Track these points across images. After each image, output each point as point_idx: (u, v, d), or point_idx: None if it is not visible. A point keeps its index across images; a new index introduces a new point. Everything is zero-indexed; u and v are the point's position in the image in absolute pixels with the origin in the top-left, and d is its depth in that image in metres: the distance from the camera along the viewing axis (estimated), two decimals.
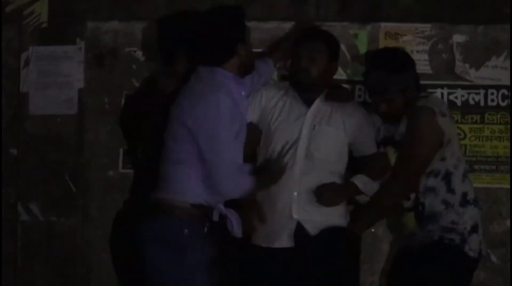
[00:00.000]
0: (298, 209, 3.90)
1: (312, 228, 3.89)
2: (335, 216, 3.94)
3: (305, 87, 3.98)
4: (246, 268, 4.01)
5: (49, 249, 4.43)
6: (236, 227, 3.69)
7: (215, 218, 3.62)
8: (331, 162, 3.97)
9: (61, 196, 4.44)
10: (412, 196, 3.86)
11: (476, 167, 4.40)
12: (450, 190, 3.82)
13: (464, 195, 3.84)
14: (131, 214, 3.97)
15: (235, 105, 3.62)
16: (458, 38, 4.41)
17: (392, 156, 3.95)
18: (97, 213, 4.49)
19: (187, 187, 3.56)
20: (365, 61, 4.25)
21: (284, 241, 3.90)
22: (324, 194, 3.88)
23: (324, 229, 3.89)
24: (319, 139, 3.95)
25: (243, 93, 3.77)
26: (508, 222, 4.40)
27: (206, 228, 3.58)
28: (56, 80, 4.43)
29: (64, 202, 4.44)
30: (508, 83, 4.40)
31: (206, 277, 3.54)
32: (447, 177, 3.82)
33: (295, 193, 3.91)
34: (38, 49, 4.43)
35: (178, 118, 3.59)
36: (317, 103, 4.01)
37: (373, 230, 4.40)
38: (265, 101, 4.06)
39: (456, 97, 4.40)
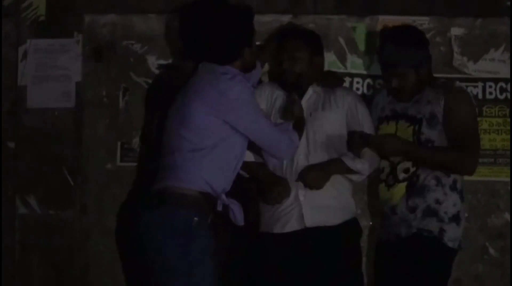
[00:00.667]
0: (304, 192, 3.92)
1: (309, 217, 3.91)
2: (339, 211, 3.96)
3: (292, 85, 4.01)
4: (257, 255, 4.03)
5: (47, 242, 4.43)
6: (238, 216, 3.72)
7: (219, 207, 3.65)
8: (333, 146, 3.98)
9: (59, 189, 4.43)
10: (413, 169, 3.85)
11: None
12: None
13: (455, 181, 3.85)
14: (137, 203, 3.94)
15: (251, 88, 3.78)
16: (456, 31, 4.41)
17: (406, 130, 3.88)
18: (95, 207, 4.48)
19: (198, 175, 3.59)
20: (379, 37, 4.18)
21: (293, 224, 3.93)
22: (306, 176, 3.89)
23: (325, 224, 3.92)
24: (317, 124, 3.97)
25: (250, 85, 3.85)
26: (506, 215, 4.40)
27: (210, 218, 3.60)
28: (54, 73, 4.43)
29: (62, 195, 4.43)
30: (506, 76, 4.40)
31: (211, 263, 3.56)
32: None
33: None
34: (36, 42, 4.42)
35: (201, 111, 3.62)
36: (309, 92, 4.03)
37: (371, 223, 4.41)
38: (269, 94, 4.09)
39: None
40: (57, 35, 4.43)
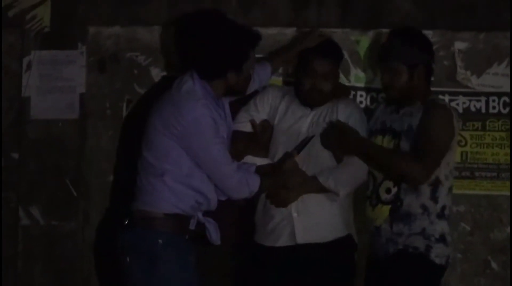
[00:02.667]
0: (297, 206, 3.90)
1: (301, 234, 3.90)
2: (331, 228, 3.94)
3: (317, 103, 3.99)
4: (251, 266, 4.03)
5: (49, 253, 4.44)
6: (214, 235, 3.67)
7: (192, 226, 3.60)
8: (328, 160, 3.95)
9: (62, 200, 4.44)
10: (394, 190, 3.81)
11: (477, 174, 4.40)
12: (434, 198, 3.77)
13: (443, 208, 3.79)
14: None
15: (215, 115, 3.58)
16: (459, 45, 4.42)
17: (389, 144, 3.83)
18: (97, 218, 4.49)
19: (161, 198, 3.52)
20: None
21: (286, 239, 3.92)
22: (276, 198, 3.89)
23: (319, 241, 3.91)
24: (316, 138, 3.93)
25: (221, 115, 3.69)
26: (508, 229, 4.40)
27: (187, 236, 3.57)
28: (58, 84, 4.44)
29: (65, 206, 4.44)
30: (510, 90, 4.40)
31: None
32: (435, 184, 3.76)
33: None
34: (40, 54, 4.43)
35: (159, 130, 3.54)
36: (320, 107, 4.00)
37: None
38: (272, 99, 4.07)
39: (457, 104, 4.40)
40: (61, 47, 4.44)
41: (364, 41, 4.43)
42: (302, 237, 3.90)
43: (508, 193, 4.38)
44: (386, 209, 3.81)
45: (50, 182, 4.44)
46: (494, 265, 4.41)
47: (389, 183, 3.82)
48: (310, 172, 3.92)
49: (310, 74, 3.94)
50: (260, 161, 3.94)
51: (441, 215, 3.77)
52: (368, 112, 4.20)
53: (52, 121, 4.44)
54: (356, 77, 4.43)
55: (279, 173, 3.83)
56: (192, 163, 3.56)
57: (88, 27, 4.46)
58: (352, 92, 4.42)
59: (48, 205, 4.44)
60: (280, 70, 4.37)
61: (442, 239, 3.76)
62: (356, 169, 3.91)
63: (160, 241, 3.48)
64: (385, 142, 3.86)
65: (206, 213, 3.68)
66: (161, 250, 3.48)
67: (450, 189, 3.82)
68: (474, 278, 4.39)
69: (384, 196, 3.82)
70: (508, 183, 4.38)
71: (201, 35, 3.60)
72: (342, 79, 4.40)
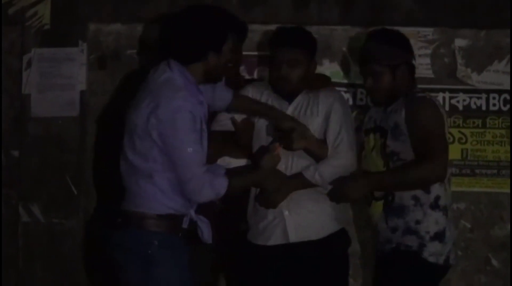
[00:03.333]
0: (287, 204, 3.89)
1: (293, 233, 3.89)
2: (324, 224, 3.93)
3: (286, 92, 3.95)
4: (244, 264, 4.01)
5: (50, 251, 4.44)
6: (206, 234, 3.61)
7: (185, 225, 3.54)
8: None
9: (63, 198, 4.44)
10: None
11: (477, 171, 4.40)
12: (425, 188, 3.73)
13: (437, 198, 3.72)
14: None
15: (195, 108, 3.45)
16: (460, 42, 4.42)
17: (378, 142, 3.80)
18: (98, 216, 4.48)
19: (152, 200, 3.46)
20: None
21: (278, 238, 3.90)
22: (265, 198, 3.87)
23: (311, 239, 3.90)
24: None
25: (202, 99, 3.57)
26: (509, 226, 4.40)
27: (180, 234, 3.52)
28: (58, 82, 4.43)
29: (66, 204, 4.44)
30: (510, 87, 4.40)
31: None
32: None
33: None
34: (40, 51, 4.43)
35: (139, 126, 3.43)
36: (298, 98, 3.96)
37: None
38: (252, 96, 4.00)
39: (458, 102, 4.41)
40: (61, 44, 4.44)
41: (364, 38, 4.40)
42: (294, 236, 3.88)
43: (509, 190, 4.38)
44: (379, 205, 3.79)
45: (51, 180, 4.44)
46: (494, 262, 4.42)
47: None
48: (294, 165, 3.89)
49: (276, 62, 3.90)
50: (236, 162, 3.92)
51: (434, 206, 3.70)
52: (368, 110, 4.20)
53: (52, 118, 4.44)
54: (356, 74, 4.42)
55: (258, 170, 3.74)
56: None
57: (89, 24, 4.46)
58: (352, 89, 4.42)
59: (49, 203, 4.44)
60: None
61: (437, 236, 3.69)
62: (342, 160, 3.86)
63: (155, 242, 3.44)
64: (376, 139, 3.84)
65: (198, 211, 3.62)
66: (156, 251, 3.43)
67: (446, 179, 3.75)
68: (474, 275, 4.40)
69: (376, 192, 3.80)
70: (508, 181, 4.38)
71: (180, 18, 3.53)
72: (342, 76, 4.41)
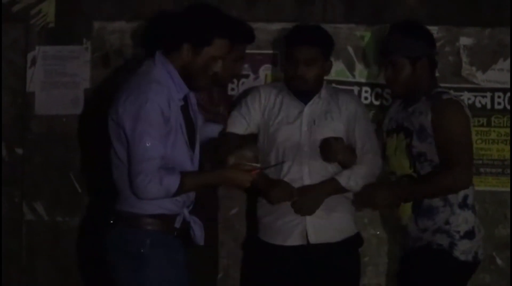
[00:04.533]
0: None
1: (313, 235, 3.89)
2: (342, 228, 3.95)
3: (302, 91, 3.95)
4: (257, 263, 4.02)
5: (53, 249, 4.43)
6: (197, 235, 3.57)
7: (178, 224, 3.50)
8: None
9: (66, 195, 4.44)
10: None
11: (482, 170, 4.39)
12: None
13: (465, 197, 3.76)
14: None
15: (164, 104, 3.35)
16: (465, 40, 4.41)
17: (402, 143, 3.82)
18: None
19: (143, 201, 3.40)
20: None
21: (296, 239, 3.90)
22: (300, 206, 3.86)
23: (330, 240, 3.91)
24: (320, 133, 3.91)
25: (180, 97, 3.46)
26: None
27: (175, 233, 3.48)
28: (62, 79, 4.43)
29: (69, 201, 4.44)
30: (510, 86, 4.39)
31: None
32: None
33: None
34: (45, 49, 4.43)
35: (116, 123, 3.37)
36: (314, 99, 3.97)
37: (378, 232, 4.41)
38: (264, 98, 4.01)
39: (462, 100, 4.39)
40: (66, 42, 4.44)
41: (368, 36, 4.42)
42: (314, 237, 3.89)
43: None
44: (408, 206, 3.80)
45: (54, 178, 4.44)
46: (499, 261, 4.41)
47: (407, 180, 3.81)
48: (323, 175, 3.90)
49: (292, 61, 3.90)
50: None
51: (463, 205, 3.74)
52: (374, 108, 4.21)
53: (56, 116, 4.44)
54: (361, 72, 4.42)
55: (219, 170, 3.53)
56: (170, 150, 3.39)
57: (93, 22, 4.45)
58: (357, 88, 4.41)
59: (52, 201, 4.44)
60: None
61: (467, 234, 3.73)
62: (372, 167, 3.93)
63: (147, 241, 3.40)
64: (399, 140, 3.85)
65: (193, 212, 3.60)
66: (149, 249, 3.40)
67: None
68: (479, 274, 4.36)
69: None
70: None
71: (172, 12, 3.54)
72: (347, 75, 4.40)
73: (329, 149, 3.85)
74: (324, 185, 3.90)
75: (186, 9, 3.52)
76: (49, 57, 4.43)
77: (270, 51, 4.39)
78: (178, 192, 3.37)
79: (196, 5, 3.52)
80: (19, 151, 4.46)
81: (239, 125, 4.01)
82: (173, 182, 3.34)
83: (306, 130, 3.94)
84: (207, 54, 3.44)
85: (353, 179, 3.88)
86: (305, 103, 3.97)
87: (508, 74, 4.39)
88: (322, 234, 3.89)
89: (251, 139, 4.03)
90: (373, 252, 4.40)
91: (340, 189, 3.90)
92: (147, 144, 3.30)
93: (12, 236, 4.44)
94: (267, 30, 4.38)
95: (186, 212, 3.52)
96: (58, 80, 4.43)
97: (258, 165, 3.52)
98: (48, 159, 4.44)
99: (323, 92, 3.99)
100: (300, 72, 3.87)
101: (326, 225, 3.89)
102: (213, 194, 4.07)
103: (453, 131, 3.68)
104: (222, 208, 4.30)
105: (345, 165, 3.93)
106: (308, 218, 3.88)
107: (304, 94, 3.95)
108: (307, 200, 3.87)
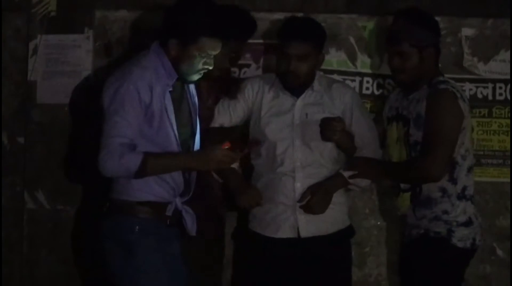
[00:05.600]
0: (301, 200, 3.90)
1: (304, 228, 3.90)
2: (334, 220, 3.95)
3: (294, 86, 3.94)
4: (245, 253, 4.03)
5: (55, 238, 4.43)
6: (190, 225, 3.59)
7: (169, 212, 3.52)
8: (329, 148, 3.94)
9: (68, 184, 4.43)
10: None
11: (483, 161, 4.39)
12: (452, 179, 3.77)
13: (464, 188, 3.79)
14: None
15: (144, 88, 3.41)
16: (466, 31, 4.41)
17: (401, 131, 3.84)
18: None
19: (132, 188, 3.46)
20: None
21: (287, 231, 3.90)
22: (312, 205, 3.86)
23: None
24: (313, 126, 3.91)
25: (168, 85, 3.52)
26: None
27: (168, 221, 3.51)
28: (64, 69, 4.43)
29: (70, 190, 4.43)
30: (510, 77, 4.38)
31: (161, 274, 3.45)
32: (452, 166, 3.76)
33: (298, 184, 3.91)
34: (46, 38, 4.42)
35: (101, 104, 3.48)
36: (308, 91, 3.96)
37: (378, 223, 4.42)
38: (252, 91, 4.01)
39: (464, 91, 4.38)
40: (67, 31, 4.42)
41: (371, 27, 4.41)
42: (305, 231, 3.89)
43: None
44: (407, 196, 3.83)
45: (56, 167, 4.43)
46: (499, 252, 4.42)
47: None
48: (316, 168, 3.91)
49: (284, 56, 3.88)
50: None
51: (461, 196, 3.77)
52: (375, 98, 4.21)
53: (58, 105, 4.43)
54: (362, 63, 4.42)
55: (188, 154, 3.57)
56: (144, 141, 3.44)
57: (95, 11, 4.44)
58: (359, 78, 4.41)
59: (54, 190, 4.43)
60: None
61: (465, 222, 3.76)
62: (374, 154, 3.95)
63: (136, 228, 3.44)
64: (398, 128, 3.86)
65: (186, 203, 3.62)
66: (138, 236, 3.43)
67: (469, 169, 3.82)
68: (479, 265, 4.39)
69: (403, 184, 3.84)
70: None
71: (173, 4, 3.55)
72: (349, 65, 4.39)
73: (327, 127, 3.85)
74: (332, 182, 3.90)
75: (178, 3, 3.53)
76: (51, 46, 4.42)
77: (272, 41, 4.37)
78: (140, 172, 3.38)
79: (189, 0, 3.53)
80: (21, 140, 4.46)
81: (222, 117, 4.02)
82: (133, 160, 3.35)
83: (299, 123, 3.93)
84: (191, 51, 3.49)
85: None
86: (297, 96, 3.95)
87: (510, 65, 4.38)
88: (313, 228, 3.89)
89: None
90: (374, 243, 4.40)
91: (346, 184, 3.92)
92: (115, 122, 3.36)
93: (13, 224, 4.44)
94: (269, 19, 4.38)
95: (178, 201, 3.54)
96: (59, 69, 4.42)
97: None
98: (49, 148, 4.44)
99: (316, 84, 3.97)
100: (293, 67, 3.86)
101: (317, 218, 3.88)
102: (217, 187, 4.06)
103: (437, 122, 3.69)
104: None
105: (342, 147, 3.93)
106: (299, 211, 3.87)
107: (296, 88, 3.95)
108: (317, 199, 3.86)
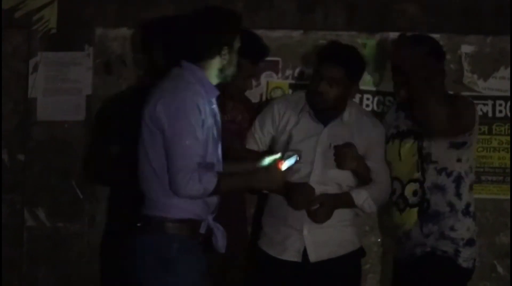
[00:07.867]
0: (309, 226, 3.88)
1: (314, 255, 3.88)
2: (343, 243, 3.94)
3: (320, 110, 3.94)
4: (254, 272, 4.02)
5: (54, 255, 4.43)
6: (220, 242, 3.57)
7: (202, 230, 3.51)
8: (344, 177, 3.93)
9: (68, 202, 4.44)
10: (419, 192, 3.82)
11: (483, 178, 4.39)
12: (458, 194, 3.80)
13: (468, 205, 3.82)
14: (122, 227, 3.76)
15: (202, 104, 3.40)
16: (466, 48, 4.41)
17: (411, 147, 3.86)
18: (103, 219, 4.47)
19: (171, 205, 3.43)
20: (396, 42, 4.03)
21: (292, 254, 3.90)
22: (318, 214, 3.86)
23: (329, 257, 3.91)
24: (334, 156, 3.90)
25: (213, 101, 3.52)
26: None
27: (200, 239, 3.49)
28: (64, 86, 4.43)
29: (71, 208, 4.44)
30: (510, 94, 4.38)
31: None
32: (458, 180, 3.79)
33: None
34: (46, 55, 4.43)
35: (151, 128, 3.40)
36: (333, 123, 3.95)
37: (379, 240, 4.41)
38: (277, 115, 4.01)
39: None
40: (68, 48, 4.44)
41: (370, 44, 4.42)
42: (314, 255, 3.88)
43: None
44: (414, 212, 3.83)
45: (56, 184, 4.44)
46: (500, 269, 4.41)
47: (414, 185, 3.84)
48: (326, 189, 3.89)
49: (317, 76, 3.91)
50: None
51: (466, 213, 3.80)
52: (375, 115, 4.21)
53: (58, 122, 4.44)
54: (362, 80, 4.39)
55: (253, 172, 3.58)
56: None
57: (95, 28, 4.45)
58: (359, 95, 4.41)
59: (54, 207, 4.43)
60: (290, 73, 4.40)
61: (469, 242, 3.79)
62: (386, 187, 3.94)
63: (175, 245, 3.42)
64: (406, 146, 3.87)
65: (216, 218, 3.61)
66: (175, 254, 3.41)
67: (471, 186, 3.85)
68: (480, 282, 4.38)
69: (412, 199, 3.84)
70: None
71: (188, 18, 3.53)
72: None
73: (345, 156, 3.86)
74: (339, 198, 3.89)
75: (199, 16, 3.51)
76: (51, 63, 4.43)
77: (272, 59, 4.38)
78: (215, 192, 3.41)
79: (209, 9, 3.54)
80: (21, 157, 4.47)
81: (252, 143, 4.05)
82: (211, 181, 3.37)
83: (320, 151, 3.92)
84: (235, 53, 3.51)
85: (368, 202, 3.90)
86: (325, 124, 3.95)
87: (509, 82, 4.39)
88: (322, 252, 3.88)
89: None
90: (374, 260, 4.40)
91: (352, 205, 3.90)
92: (187, 142, 3.33)
93: (13, 242, 4.44)
94: (269, 37, 4.37)
95: (210, 218, 3.54)
96: (60, 86, 4.43)
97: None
98: (49, 165, 4.44)
99: (346, 115, 3.96)
100: (322, 89, 3.86)
101: (325, 242, 3.87)
102: (240, 200, 4.09)
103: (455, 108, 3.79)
104: None
105: (359, 175, 3.93)
106: (306, 236, 3.86)
107: (325, 113, 3.93)
108: (324, 210, 3.86)
